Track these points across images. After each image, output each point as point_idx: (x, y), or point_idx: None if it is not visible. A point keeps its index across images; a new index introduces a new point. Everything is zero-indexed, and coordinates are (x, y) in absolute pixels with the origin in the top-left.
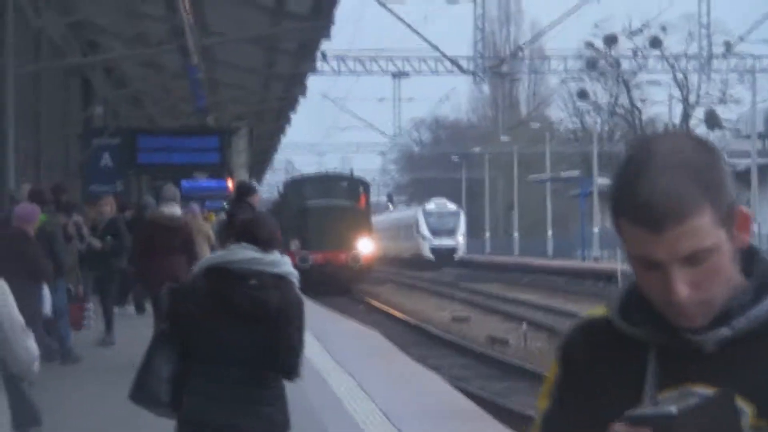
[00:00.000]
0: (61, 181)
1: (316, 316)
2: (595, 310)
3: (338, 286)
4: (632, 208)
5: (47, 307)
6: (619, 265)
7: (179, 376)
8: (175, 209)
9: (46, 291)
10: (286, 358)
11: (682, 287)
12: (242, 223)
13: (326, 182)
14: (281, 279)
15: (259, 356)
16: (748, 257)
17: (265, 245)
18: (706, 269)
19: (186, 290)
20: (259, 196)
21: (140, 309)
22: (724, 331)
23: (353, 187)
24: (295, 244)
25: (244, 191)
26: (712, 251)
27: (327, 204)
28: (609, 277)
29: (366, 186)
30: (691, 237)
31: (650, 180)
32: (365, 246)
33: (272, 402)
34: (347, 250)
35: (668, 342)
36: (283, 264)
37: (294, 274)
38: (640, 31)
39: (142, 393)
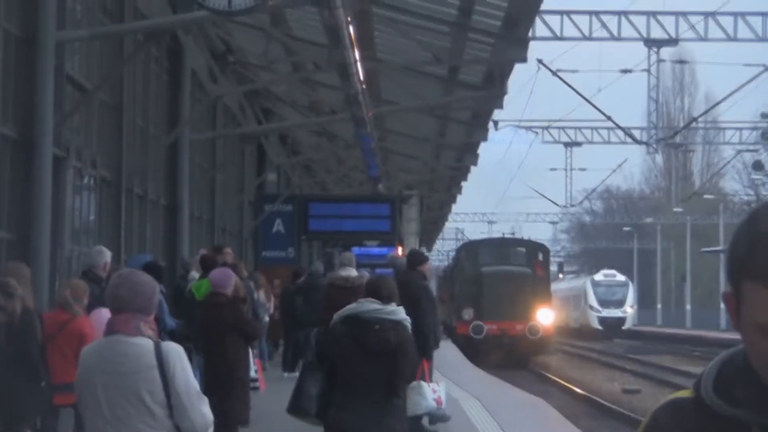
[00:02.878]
0: (221, 245)
1: (484, 384)
2: (682, 391)
3: (515, 358)
4: (759, 267)
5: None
6: None
7: (324, 395)
8: (351, 272)
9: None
10: (398, 382)
11: None
12: (369, 283)
13: (503, 247)
14: (398, 324)
15: (382, 380)
16: None
17: (386, 299)
18: None
19: (330, 333)
20: (430, 265)
21: None
22: None
23: (532, 252)
24: (468, 313)
25: (416, 260)
26: None
27: (504, 270)
28: None
29: (545, 252)
30: None
31: None
32: (544, 316)
33: (394, 415)
34: (525, 320)
35: None
36: (399, 313)
37: (407, 320)
38: None
39: (295, 407)
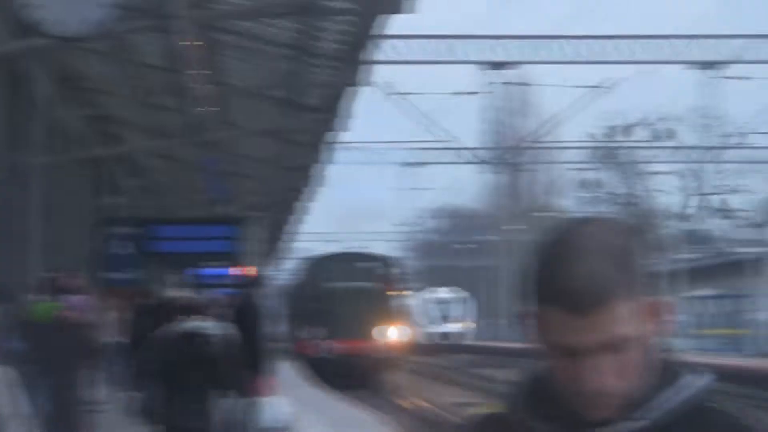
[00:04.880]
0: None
1: (327, 402)
2: (487, 406)
3: (365, 378)
4: (555, 292)
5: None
6: None
7: (160, 399)
8: (182, 292)
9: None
10: (222, 387)
11: (600, 376)
12: (197, 301)
13: (350, 262)
14: (221, 337)
15: (208, 385)
16: (656, 349)
17: (211, 316)
18: (623, 359)
19: (160, 345)
20: (268, 285)
21: None
22: (633, 424)
23: (380, 267)
24: (313, 332)
25: (254, 280)
26: (631, 339)
27: (351, 286)
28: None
29: (395, 266)
30: (613, 323)
31: (573, 264)
32: (394, 333)
33: (216, 414)
34: (373, 338)
35: None
36: (223, 328)
37: (233, 334)
38: (648, 122)
39: (141, 411)
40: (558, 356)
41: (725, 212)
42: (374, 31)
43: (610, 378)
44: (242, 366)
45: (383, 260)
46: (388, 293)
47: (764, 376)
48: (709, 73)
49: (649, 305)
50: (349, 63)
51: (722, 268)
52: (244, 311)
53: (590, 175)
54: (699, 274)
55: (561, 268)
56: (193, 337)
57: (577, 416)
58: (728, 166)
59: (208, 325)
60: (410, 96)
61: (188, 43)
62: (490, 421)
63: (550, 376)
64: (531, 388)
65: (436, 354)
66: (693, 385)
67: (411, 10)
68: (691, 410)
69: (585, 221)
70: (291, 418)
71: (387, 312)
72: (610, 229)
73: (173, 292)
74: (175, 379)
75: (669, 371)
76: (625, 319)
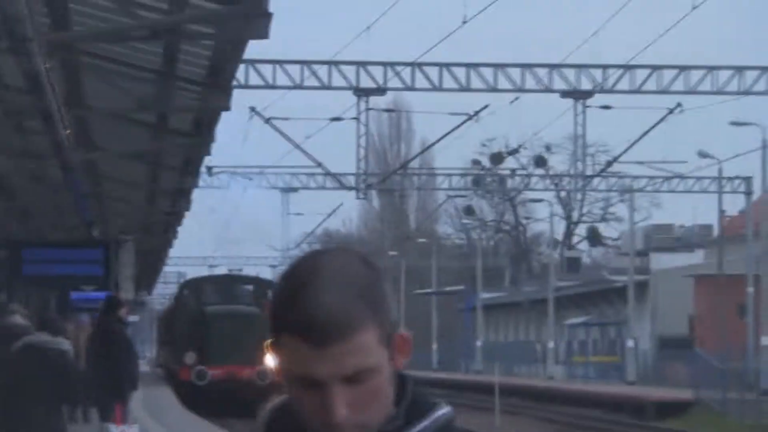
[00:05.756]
0: None
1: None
2: None
3: (242, 406)
4: (295, 322)
5: None
6: (496, 377)
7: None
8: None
9: None
10: (61, 400)
11: (342, 407)
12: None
13: (229, 285)
14: (61, 353)
15: (48, 397)
16: (400, 381)
17: (55, 333)
18: (367, 390)
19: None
20: (127, 309)
21: None
22: None
23: (260, 290)
24: (190, 357)
25: (113, 305)
26: (374, 371)
27: (230, 310)
28: (488, 389)
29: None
30: (355, 355)
31: (315, 295)
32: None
33: (54, 426)
34: (254, 364)
35: None
36: (63, 344)
37: (69, 350)
38: (522, 149)
39: None
40: (300, 386)
41: (597, 240)
42: (240, 56)
43: (352, 409)
44: (83, 383)
45: (260, 283)
46: (267, 317)
47: (636, 403)
48: (582, 102)
49: (390, 336)
50: (216, 87)
51: (594, 296)
52: (105, 335)
53: (467, 202)
54: (572, 301)
55: (303, 299)
56: (30, 350)
57: None
58: (599, 193)
59: (47, 340)
60: (285, 121)
61: (48, 66)
62: None
63: (294, 407)
64: (276, 419)
65: None
66: (440, 417)
67: (265, 36)
68: None
69: (329, 253)
70: None
71: (266, 336)
72: (354, 261)
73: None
74: (12, 392)
75: (415, 403)
76: (367, 350)
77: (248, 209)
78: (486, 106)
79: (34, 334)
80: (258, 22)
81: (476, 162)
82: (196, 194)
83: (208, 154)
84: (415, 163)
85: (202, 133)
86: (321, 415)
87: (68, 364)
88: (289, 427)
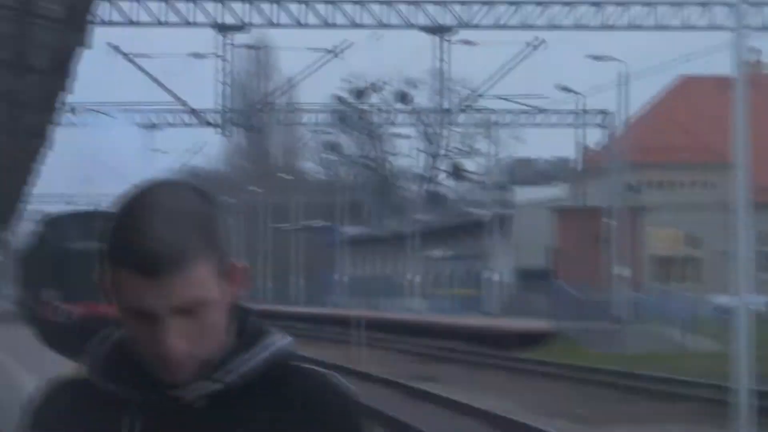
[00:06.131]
0: None
1: (61, 367)
2: (70, 371)
3: None
4: (128, 254)
5: None
6: (357, 311)
7: None
8: None
9: None
10: None
11: (175, 339)
12: None
13: (94, 221)
14: None
15: None
16: (239, 313)
17: None
18: (201, 322)
19: None
20: None
21: None
22: (210, 386)
23: None
24: (51, 294)
25: None
26: (208, 303)
27: (90, 246)
28: (345, 322)
29: None
30: (188, 287)
31: (148, 226)
32: None
33: None
34: None
35: (150, 398)
36: None
37: None
38: (385, 85)
39: None
40: (134, 319)
41: (459, 174)
42: None
43: (186, 341)
44: None
45: None
46: None
47: (497, 334)
48: (444, 38)
49: (226, 268)
50: (73, 24)
51: (457, 229)
52: None
53: (331, 138)
54: (435, 235)
55: (134, 230)
56: None
57: (155, 379)
58: (461, 129)
59: None
60: (144, 58)
61: None
62: (69, 386)
63: (129, 339)
64: (111, 351)
65: None
66: (273, 346)
67: None
68: (274, 371)
69: (162, 184)
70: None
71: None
72: (187, 192)
73: None
74: None
75: (250, 334)
76: (200, 282)
77: (111, 147)
78: (351, 44)
79: None
80: None
81: (339, 98)
82: (58, 133)
83: (70, 92)
84: (280, 101)
85: (62, 71)
86: (155, 347)
87: None
88: (125, 361)
